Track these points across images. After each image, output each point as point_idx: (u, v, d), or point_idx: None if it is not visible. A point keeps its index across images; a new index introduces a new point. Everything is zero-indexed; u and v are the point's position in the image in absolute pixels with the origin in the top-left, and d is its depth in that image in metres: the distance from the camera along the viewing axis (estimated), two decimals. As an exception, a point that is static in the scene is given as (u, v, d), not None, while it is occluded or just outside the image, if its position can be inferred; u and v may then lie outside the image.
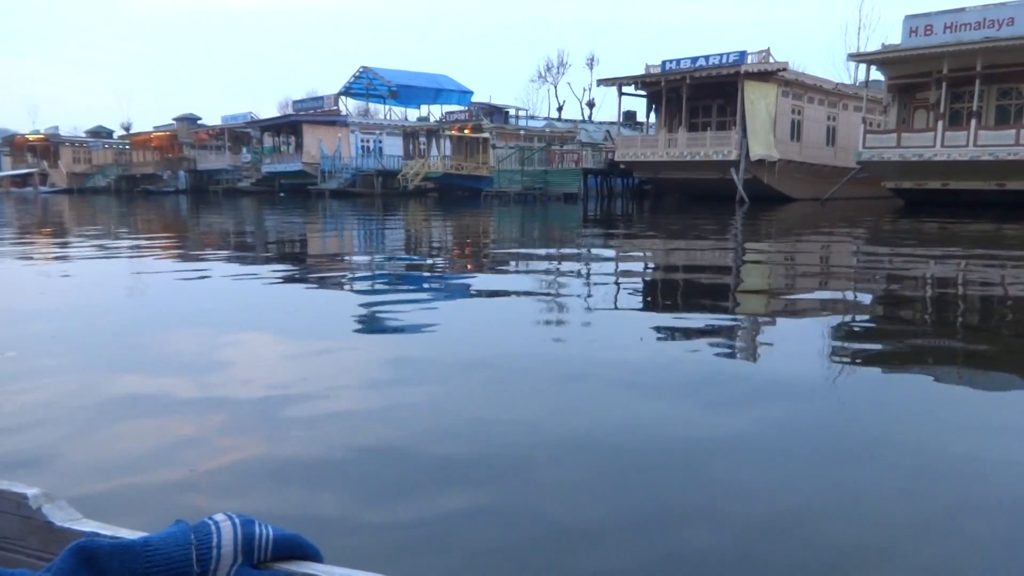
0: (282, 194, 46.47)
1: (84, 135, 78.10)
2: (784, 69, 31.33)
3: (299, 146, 48.21)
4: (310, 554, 0.72)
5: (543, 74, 67.87)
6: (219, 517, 0.71)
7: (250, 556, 0.69)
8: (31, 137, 74.57)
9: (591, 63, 66.42)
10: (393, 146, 48.75)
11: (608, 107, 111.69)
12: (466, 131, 42.95)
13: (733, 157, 30.35)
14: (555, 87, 70.97)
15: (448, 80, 55.77)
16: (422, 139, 45.58)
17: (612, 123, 49.68)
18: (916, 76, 26.90)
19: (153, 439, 3.02)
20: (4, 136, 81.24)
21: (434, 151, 44.16)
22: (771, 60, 31.33)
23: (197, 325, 5.62)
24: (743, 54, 31.15)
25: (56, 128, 78.70)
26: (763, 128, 30.56)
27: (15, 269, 9.88)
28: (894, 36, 31.19)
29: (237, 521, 0.71)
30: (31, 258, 11.35)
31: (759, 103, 30.57)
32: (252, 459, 2.80)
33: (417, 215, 24.50)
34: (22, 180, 68.59)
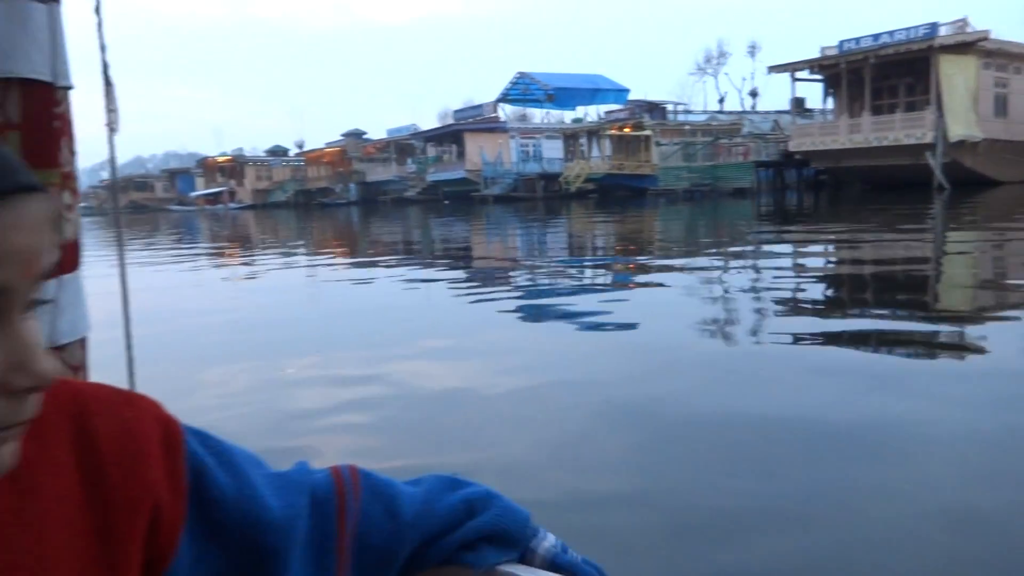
0: (447, 202, 47.75)
1: (264, 154, 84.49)
2: (985, 39, 28.31)
3: (461, 154, 49.44)
4: None
5: (702, 66, 65.81)
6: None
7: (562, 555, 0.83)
8: (220, 159, 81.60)
9: (752, 51, 63.68)
10: (551, 149, 48.89)
11: (771, 96, 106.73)
12: (626, 129, 42.27)
13: (928, 140, 27.76)
14: (715, 78, 68.54)
15: (604, 80, 55.28)
16: (582, 140, 45.32)
17: (780, 112, 47.23)
18: None
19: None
20: (197, 159, 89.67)
21: (595, 151, 43.80)
22: (969, 29, 28.44)
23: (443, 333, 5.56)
24: (934, 26, 28.49)
25: (240, 149, 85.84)
26: (962, 106, 27.75)
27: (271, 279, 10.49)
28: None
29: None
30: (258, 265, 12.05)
31: (956, 78, 27.79)
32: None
33: (585, 217, 24.23)
34: (214, 198, 75.04)
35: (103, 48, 1.26)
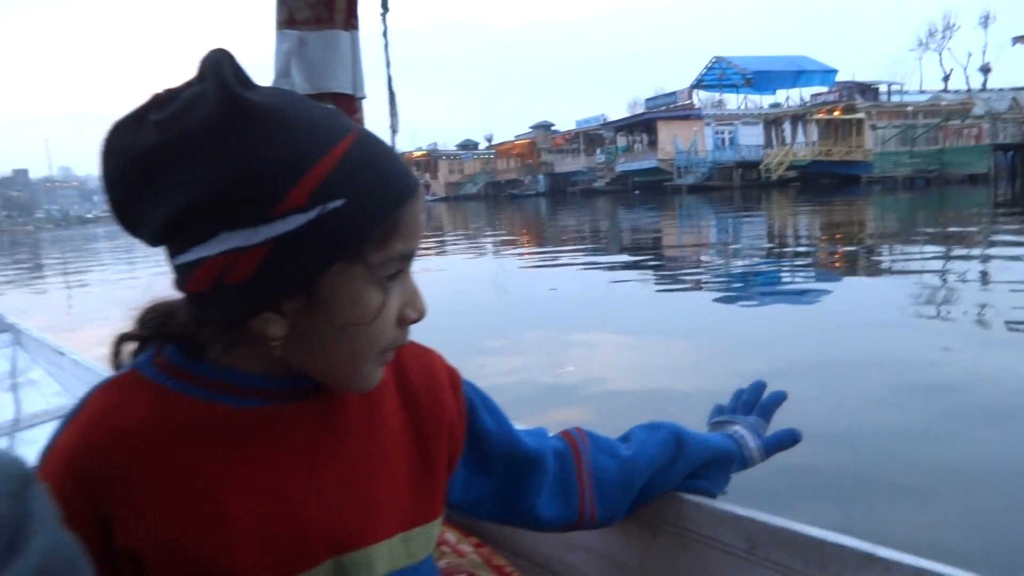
0: (637, 192, 46.87)
1: (455, 149, 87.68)
2: None
3: (652, 143, 48.31)
4: (796, 437, 1.05)
5: (924, 41, 59.79)
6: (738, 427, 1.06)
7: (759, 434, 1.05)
8: (416, 154, 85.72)
9: (985, 22, 56.94)
10: (749, 136, 46.51)
11: (1003, 72, 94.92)
12: (836, 113, 39.30)
13: None
14: (939, 54, 61.98)
15: (808, 61, 51.76)
16: (786, 126, 42.69)
17: (1017, 89, 41.90)
18: None
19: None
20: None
21: (799, 137, 41.09)
22: None
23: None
24: None
25: (435, 144, 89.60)
26: None
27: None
28: None
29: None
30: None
31: None
32: None
33: (791, 207, 22.57)
34: (410, 191, 78.73)
35: (388, 64, 1.50)
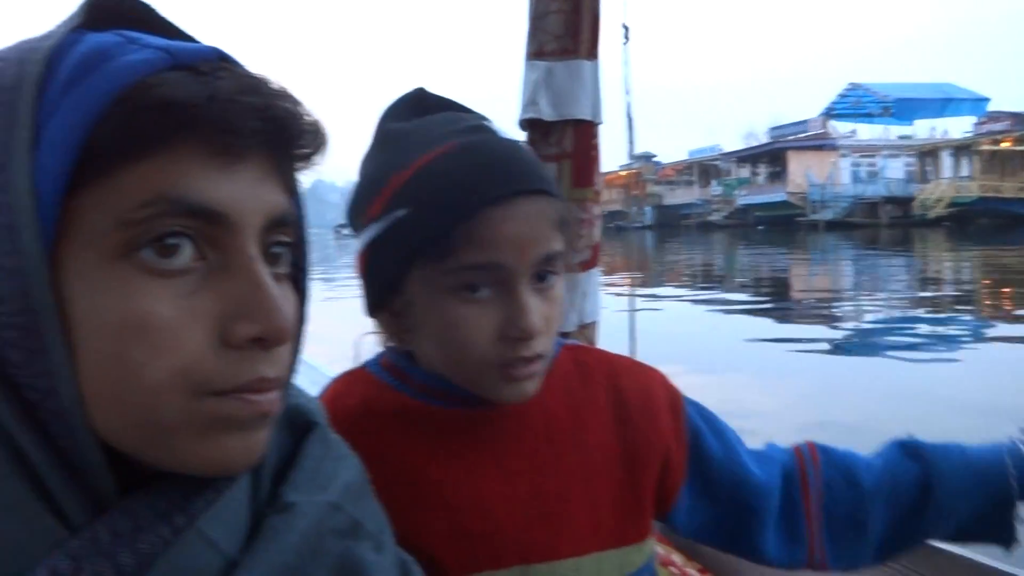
0: (760, 227, 42.97)
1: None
2: None
3: (778, 175, 44.41)
4: None
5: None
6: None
7: None
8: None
9: None
10: (891, 169, 42.10)
11: None
12: (1005, 143, 34.72)
13: None
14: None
15: (955, 88, 47.01)
16: (945, 158, 38.14)
17: None
18: None
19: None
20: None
21: (958, 171, 36.56)
22: None
23: None
24: None
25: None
26: None
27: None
28: None
29: None
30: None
31: None
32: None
33: (994, 252, 18.63)
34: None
35: (628, 91, 1.69)
